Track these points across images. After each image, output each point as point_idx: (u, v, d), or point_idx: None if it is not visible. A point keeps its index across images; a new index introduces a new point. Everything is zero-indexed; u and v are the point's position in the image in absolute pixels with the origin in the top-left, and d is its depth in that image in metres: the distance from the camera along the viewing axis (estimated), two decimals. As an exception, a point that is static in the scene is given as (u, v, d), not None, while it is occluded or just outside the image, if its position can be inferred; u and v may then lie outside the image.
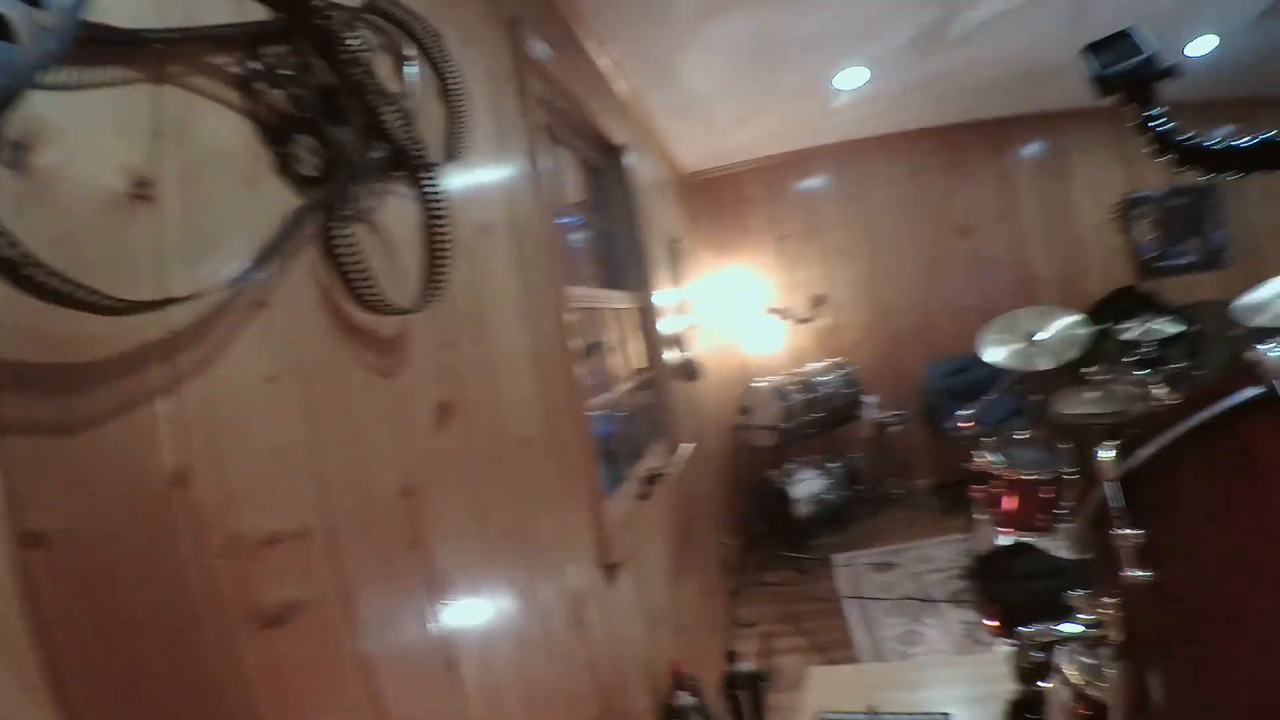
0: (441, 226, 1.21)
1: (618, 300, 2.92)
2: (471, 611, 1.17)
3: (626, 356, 2.95)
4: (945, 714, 1.56)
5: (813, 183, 5.64)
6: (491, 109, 1.62)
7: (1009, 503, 3.46)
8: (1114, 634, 0.96)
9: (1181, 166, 0.89)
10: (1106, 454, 0.95)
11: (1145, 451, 0.88)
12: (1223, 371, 0.88)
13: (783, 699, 3.31)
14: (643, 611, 2.07)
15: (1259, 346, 0.79)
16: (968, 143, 5.62)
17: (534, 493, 1.36)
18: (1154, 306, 4.11)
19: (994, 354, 3.69)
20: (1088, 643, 1.06)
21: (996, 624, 2.50)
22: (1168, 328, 3.74)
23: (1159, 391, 3.49)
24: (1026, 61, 4.37)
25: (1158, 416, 0.95)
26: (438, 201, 1.22)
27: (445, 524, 1.16)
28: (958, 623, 3.85)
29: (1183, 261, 5.36)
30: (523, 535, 1.30)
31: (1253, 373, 0.79)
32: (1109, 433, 3.71)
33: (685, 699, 2.29)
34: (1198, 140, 0.86)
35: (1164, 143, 0.90)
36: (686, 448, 3.05)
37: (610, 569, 1.74)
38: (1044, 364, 3.50)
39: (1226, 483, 0.83)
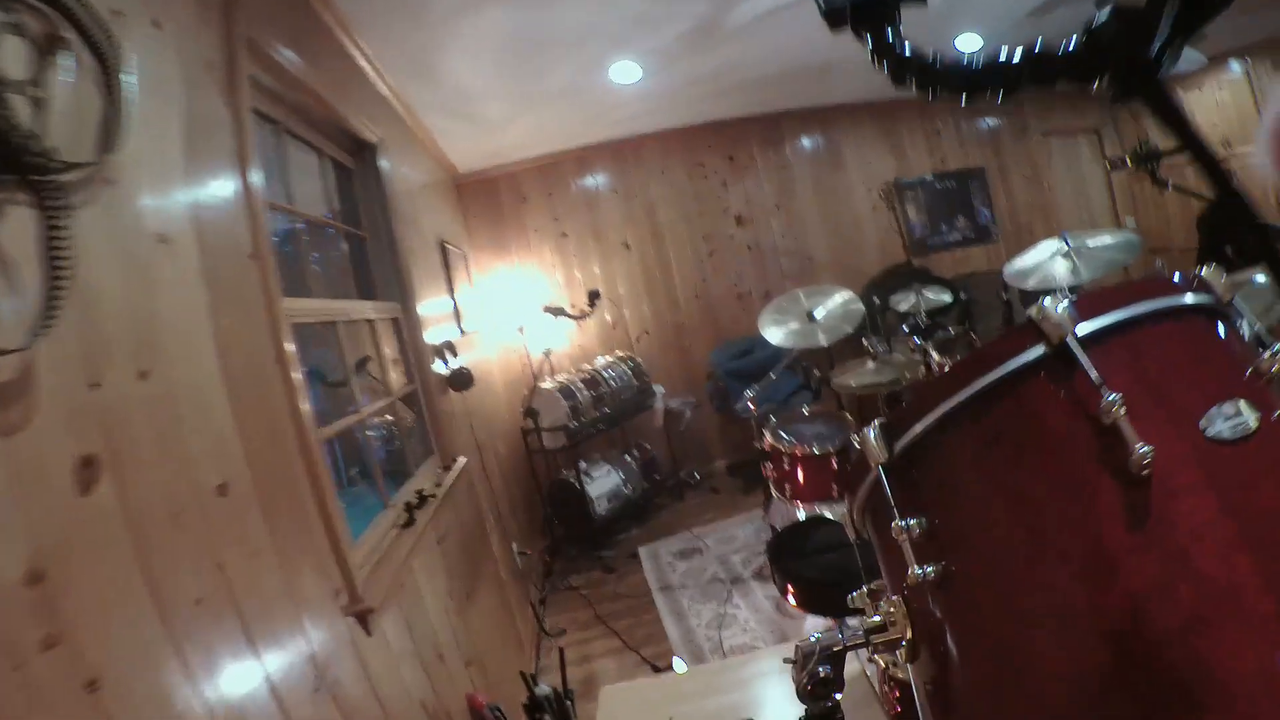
0: (60, 239, 0.96)
1: (370, 311, 2.62)
2: (156, 712, 0.94)
3: (387, 371, 2.71)
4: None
5: (593, 180, 5.58)
6: (186, 101, 1.36)
7: (800, 478, 3.59)
8: (903, 633, 0.86)
9: (924, 90, 0.85)
10: (871, 435, 0.85)
11: (917, 428, 0.81)
12: (1001, 332, 0.82)
13: (594, 709, 3.23)
14: (419, 652, 1.87)
15: (1044, 302, 0.74)
16: (745, 136, 5.80)
17: (241, 548, 1.12)
18: (926, 280, 4.46)
19: (774, 334, 3.81)
20: (879, 645, 0.89)
21: (795, 601, 2.57)
22: (939, 297, 4.05)
23: (935, 358, 3.79)
24: (799, 58, 4.49)
25: (928, 387, 0.84)
26: (56, 209, 0.97)
27: (102, 609, 0.93)
28: (766, 599, 3.94)
29: (953, 238, 5.90)
30: (228, 602, 1.07)
31: (1036, 330, 0.75)
32: (888, 400, 3.97)
33: None
34: (933, 61, 0.82)
35: (902, 66, 0.85)
36: (462, 462, 2.87)
37: (364, 615, 1.52)
38: (822, 340, 3.58)
39: (1013, 454, 0.77)
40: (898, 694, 1.66)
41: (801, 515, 3.73)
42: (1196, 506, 0.68)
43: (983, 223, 5.87)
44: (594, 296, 4.79)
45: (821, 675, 0.94)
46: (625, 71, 4.15)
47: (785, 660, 0.99)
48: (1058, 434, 0.75)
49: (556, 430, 4.53)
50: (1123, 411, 0.68)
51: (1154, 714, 0.65)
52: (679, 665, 3.00)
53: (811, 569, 2.54)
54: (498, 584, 3.14)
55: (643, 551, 4.62)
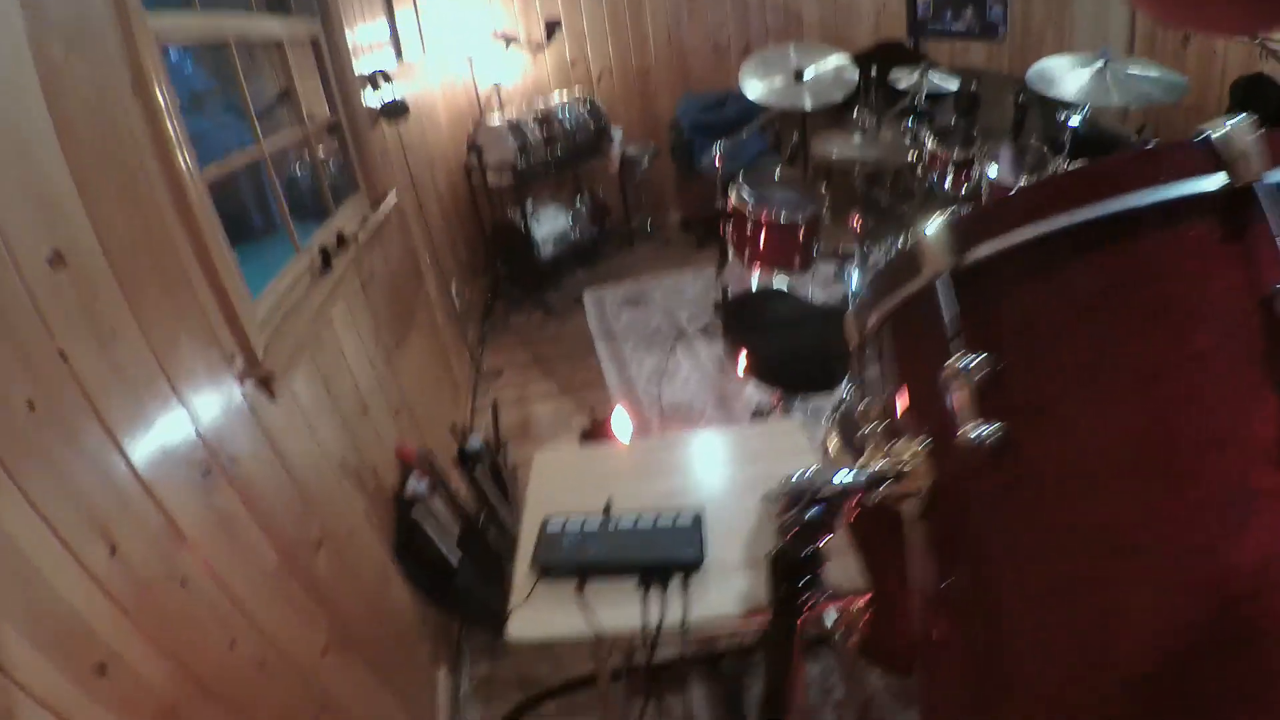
0: None
1: (280, 30, 2.12)
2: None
3: (305, 104, 2.31)
4: (697, 515, 1.34)
5: None
6: None
7: (761, 244, 3.42)
8: (918, 487, 0.73)
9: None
10: (937, 230, 0.65)
11: (1005, 240, 0.61)
12: (1135, 148, 0.65)
13: (530, 452, 3.28)
14: (338, 408, 1.73)
15: (1230, 124, 0.54)
16: None
17: (90, 328, 0.92)
18: (924, 62, 4.01)
19: (755, 88, 3.41)
20: (887, 497, 0.76)
21: (745, 369, 2.51)
22: (944, 83, 3.66)
23: (930, 144, 3.43)
24: None
25: (1030, 192, 0.62)
26: None
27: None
28: (709, 358, 3.83)
29: (956, 28, 5.27)
30: (77, 399, 0.87)
31: (1213, 156, 0.54)
32: (867, 181, 3.70)
33: (417, 486, 2.09)
34: None
35: None
36: (392, 199, 2.58)
37: (266, 379, 1.36)
38: (807, 103, 3.22)
39: (1141, 321, 0.57)
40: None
41: (756, 282, 3.63)
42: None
43: (991, 19, 5.23)
44: (553, 28, 4.19)
45: (809, 519, 0.78)
46: None
47: (764, 499, 0.87)
48: (1214, 311, 0.54)
49: (503, 169, 4.17)
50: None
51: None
52: (621, 421, 3.01)
53: (767, 341, 2.47)
54: (432, 328, 3.01)
55: (587, 297, 4.52)
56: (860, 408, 0.91)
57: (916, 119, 3.37)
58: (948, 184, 3.37)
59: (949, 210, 0.67)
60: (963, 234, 0.64)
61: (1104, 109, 2.90)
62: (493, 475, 2.41)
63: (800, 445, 1.58)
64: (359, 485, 1.74)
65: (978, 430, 0.61)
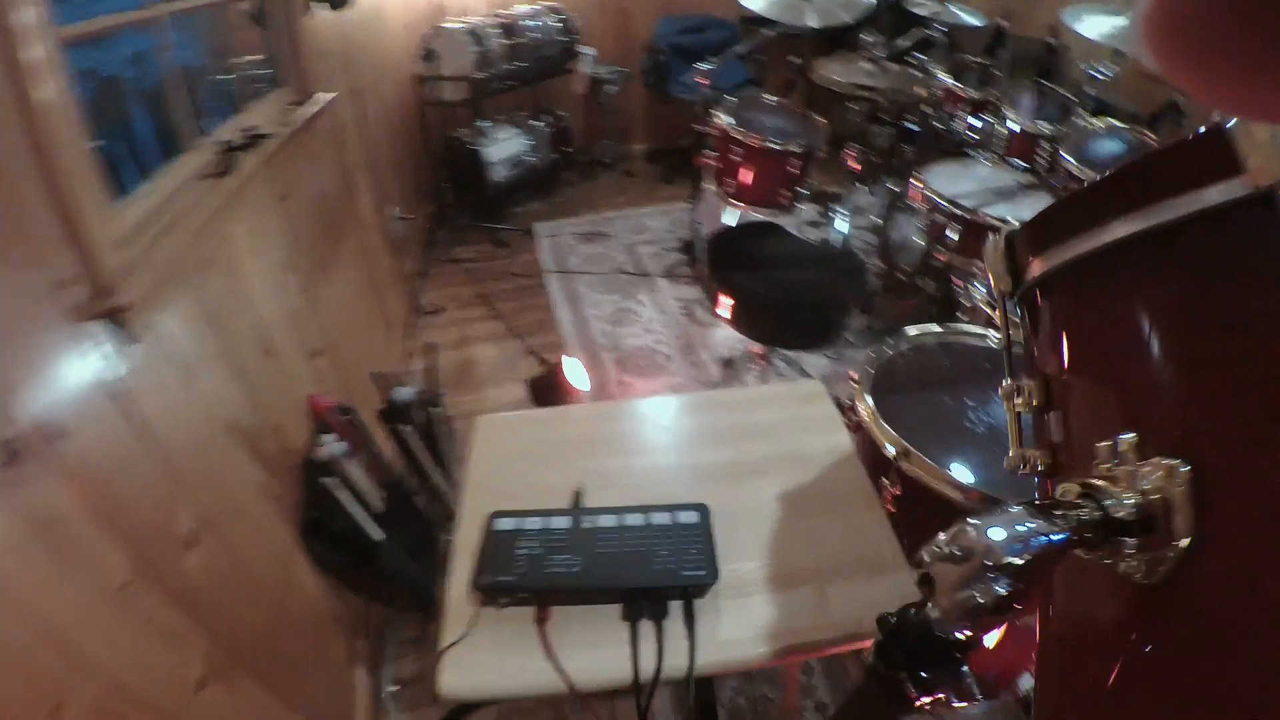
0: None
1: None
2: None
3: None
4: (700, 513, 1.03)
5: None
6: None
7: (746, 174, 3.08)
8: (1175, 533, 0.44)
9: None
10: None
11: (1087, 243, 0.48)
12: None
13: (470, 402, 2.97)
14: (230, 350, 1.36)
15: None
16: None
17: None
18: None
19: (757, 1, 3.06)
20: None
21: (729, 316, 2.19)
22: (969, 17, 3.34)
23: (942, 78, 3.12)
24: None
25: (1110, 185, 0.48)
26: None
27: None
28: (674, 300, 3.57)
29: None
30: None
31: None
32: (869, 117, 3.37)
33: (333, 447, 1.74)
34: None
35: None
36: (325, 98, 2.15)
37: (119, 313, 0.98)
38: (813, 20, 2.85)
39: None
40: (897, 492, 1.33)
41: (733, 219, 3.30)
42: None
43: None
44: None
45: (1001, 595, 0.47)
46: None
47: (916, 567, 0.53)
48: None
49: (458, 80, 3.70)
50: None
51: None
52: (572, 367, 2.69)
53: (758, 285, 2.15)
54: (364, 255, 2.60)
55: (540, 228, 4.12)
56: (1018, 397, 0.62)
57: (931, 51, 3.04)
58: (957, 125, 3.08)
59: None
60: (1041, 237, 0.50)
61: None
62: (425, 433, 2.07)
63: (831, 417, 1.29)
64: (253, 451, 1.38)
65: None
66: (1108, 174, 0.50)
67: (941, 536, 0.49)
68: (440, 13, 4.07)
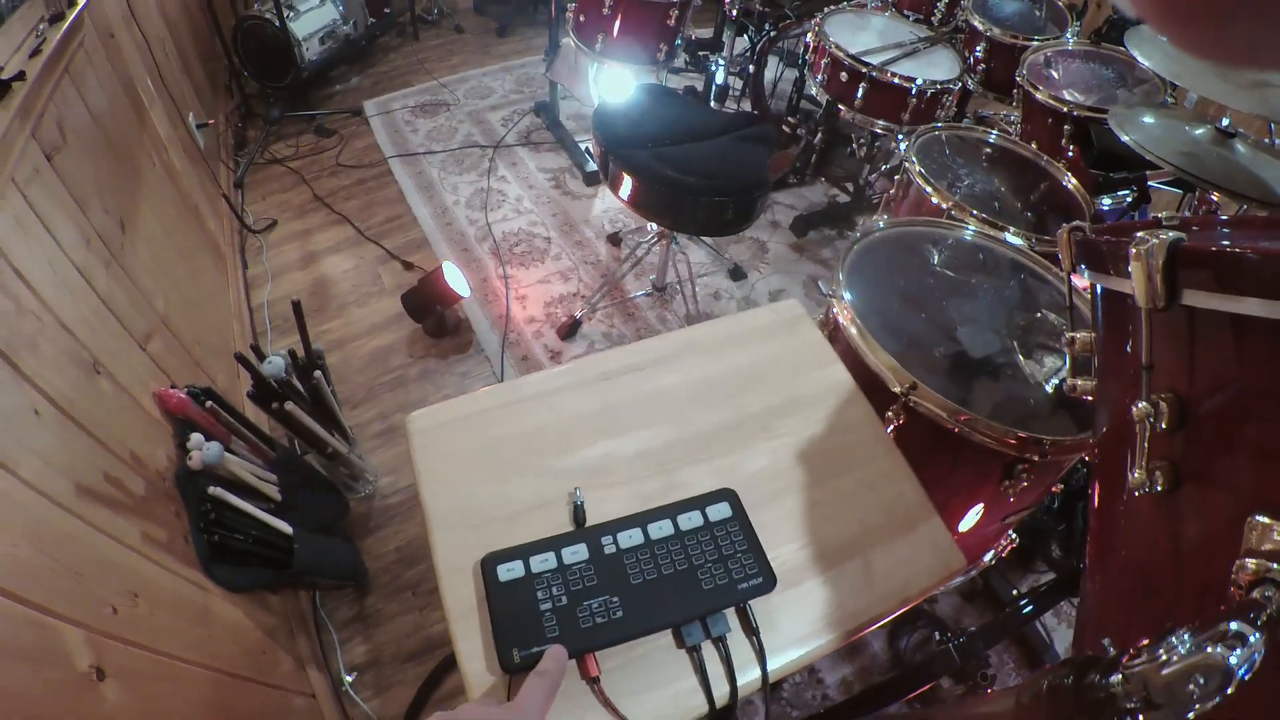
0: None
1: None
2: None
3: None
4: (730, 501, 0.90)
5: None
6: None
7: (618, 27, 2.75)
8: None
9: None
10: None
11: None
12: None
13: (336, 329, 2.60)
14: (43, 393, 1.03)
15: None
16: None
17: None
18: None
19: None
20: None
21: (630, 201, 1.95)
22: None
23: None
24: None
25: None
26: None
27: None
28: (540, 171, 3.29)
29: None
30: None
31: None
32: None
33: (206, 450, 1.42)
34: None
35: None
36: (82, 4, 1.61)
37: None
38: None
39: None
40: (902, 421, 1.26)
41: (595, 77, 3.00)
42: None
43: None
44: None
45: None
46: None
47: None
48: None
49: None
50: None
51: None
52: (454, 275, 2.42)
53: (666, 164, 1.90)
54: (169, 184, 2.16)
55: (370, 107, 3.63)
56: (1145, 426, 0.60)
57: None
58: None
59: None
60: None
61: None
62: (311, 399, 1.80)
63: (820, 346, 1.15)
64: (115, 506, 1.11)
65: None
66: None
67: (1177, 666, 0.44)
68: None
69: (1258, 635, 0.43)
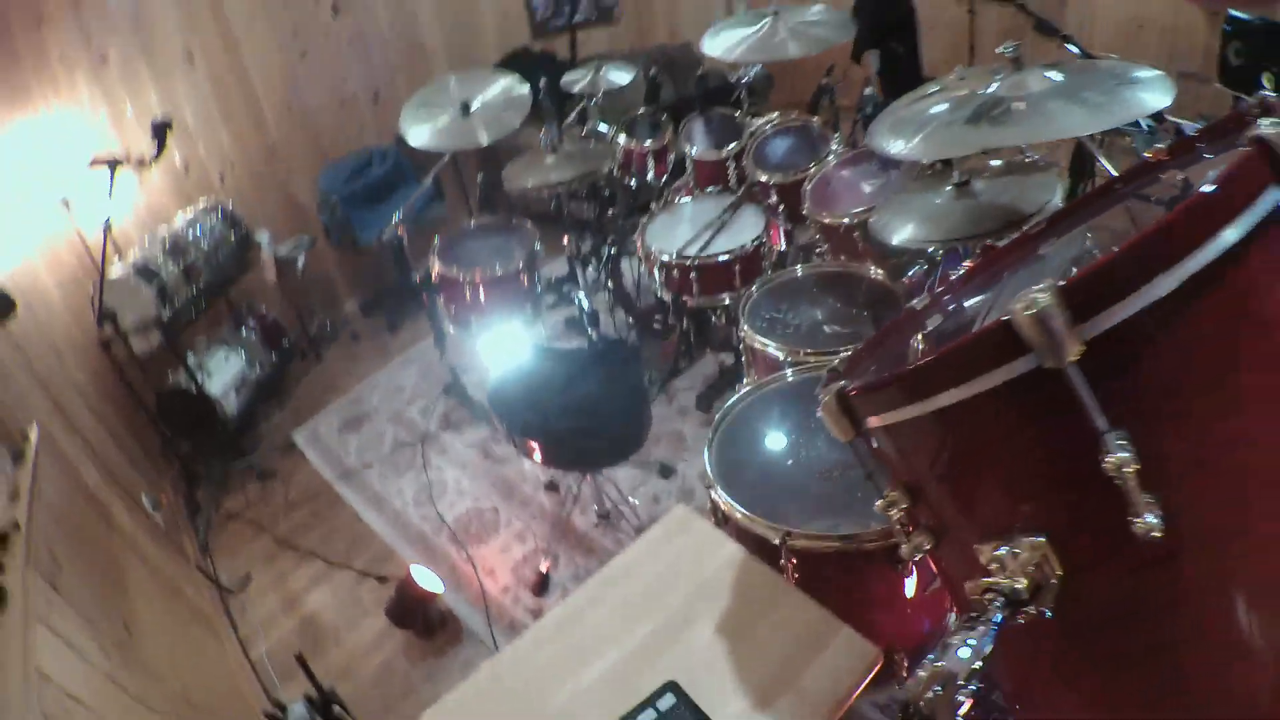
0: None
1: None
2: None
3: None
4: (668, 684, 1.18)
5: None
6: None
7: (483, 304, 3.22)
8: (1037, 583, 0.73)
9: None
10: (1043, 300, 0.62)
11: (1136, 301, 0.63)
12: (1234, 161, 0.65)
13: (337, 659, 2.76)
14: None
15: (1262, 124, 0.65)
16: None
17: None
18: (556, 63, 4.06)
19: (420, 135, 3.15)
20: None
21: (543, 459, 2.30)
22: (622, 74, 3.66)
23: (624, 141, 3.49)
24: None
25: (1134, 251, 0.64)
26: None
27: None
28: (467, 448, 3.63)
29: (578, 18, 5.44)
30: None
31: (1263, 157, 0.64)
32: (568, 198, 3.67)
33: None
34: None
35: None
36: (36, 437, 1.96)
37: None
38: (484, 137, 3.07)
39: (1245, 340, 0.69)
40: (795, 562, 1.54)
41: (487, 347, 3.44)
42: None
43: (607, 2, 5.61)
44: (162, 130, 3.43)
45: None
46: None
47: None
48: None
49: (147, 328, 3.46)
50: None
51: None
52: (424, 575, 2.69)
53: (559, 419, 2.28)
54: (150, 576, 2.44)
55: (299, 438, 4.00)
56: (894, 513, 0.92)
57: (603, 121, 3.45)
58: (650, 176, 3.51)
59: (1039, 283, 0.64)
60: (1080, 305, 0.62)
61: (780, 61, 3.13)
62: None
63: (711, 534, 1.48)
64: None
65: (1149, 514, 0.64)
66: (931, 360, 0.76)
67: (921, 674, 0.67)
68: (100, 260, 3.64)
69: (975, 640, 0.67)
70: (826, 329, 2.24)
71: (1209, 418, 0.68)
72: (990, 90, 1.62)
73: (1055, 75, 1.59)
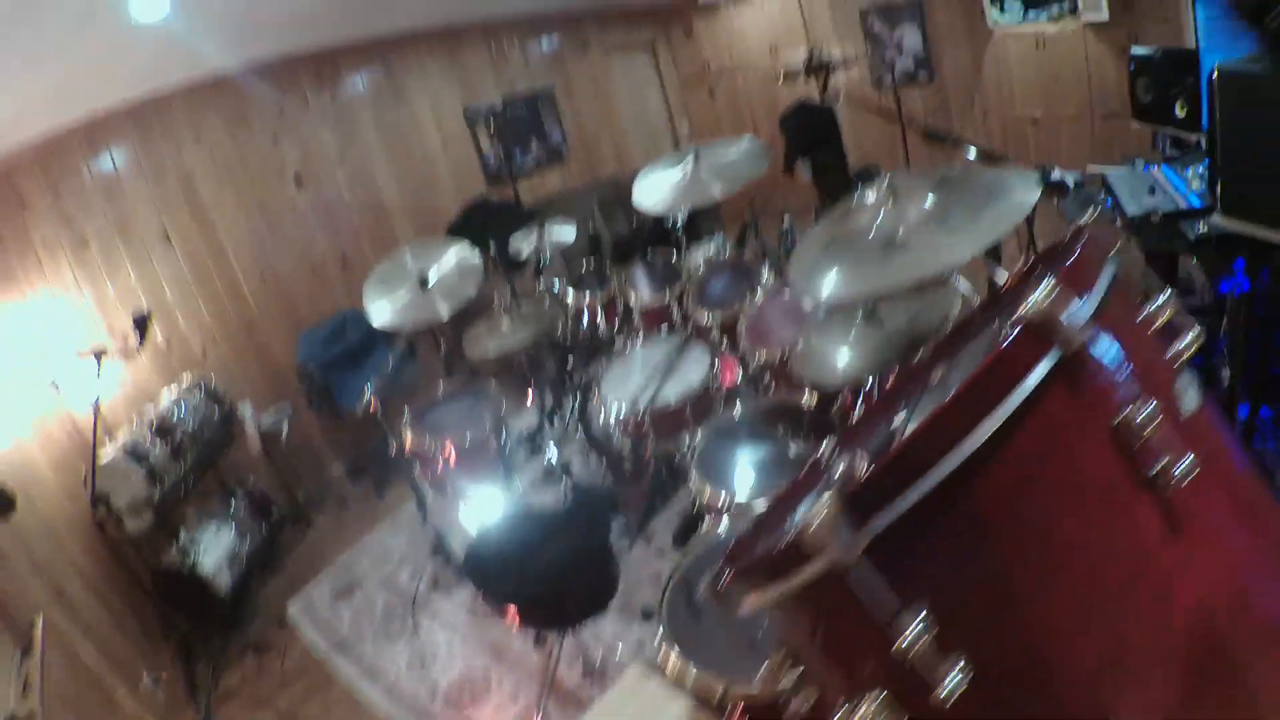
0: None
1: None
2: None
3: None
4: None
5: (110, 159, 4.39)
6: None
7: (460, 469, 3.33)
8: None
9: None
10: (828, 522, 0.71)
11: (913, 493, 0.71)
12: (998, 341, 0.79)
13: None
14: None
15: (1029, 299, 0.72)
16: (295, 79, 5.12)
17: None
18: (517, 214, 4.36)
19: (383, 312, 3.33)
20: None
21: (520, 622, 2.40)
22: (564, 231, 3.92)
23: (572, 297, 3.75)
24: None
25: (901, 457, 0.73)
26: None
27: None
28: (457, 609, 3.68)
29: (529, 163, 5.89)
30: None
31: (1041, 337, 0.71)
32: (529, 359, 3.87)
33: None
34: None
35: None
36: (42, 626, 2.08)
37: None
38: (444, 311, 3.24)
39: (1053, 489, 0.74)
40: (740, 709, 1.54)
41: (466, 510, 3.56)
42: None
43: (555, 144, 6.04)
44: (143, 323, 3.66)
45: None
46: (152, 6, 3.44)
47: None
48: (1084, 453, 0.73)
49: (139, 509, 3.59)
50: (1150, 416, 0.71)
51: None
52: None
53: (531, 583, 2.38)
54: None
55: (293, 609, 4.05)
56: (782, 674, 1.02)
57: (553, 279, 3.66)
58: (602, 327, 3.71)
59: (823, 490, 0.78)
60: (859, 512, 0.73)
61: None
62: None
63: (664, 692, 1.59)
64: None
65: (953, 675, 0.71)
66: (755, 560, 0.90)
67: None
68: (93, 443, 3.79)
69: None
70: (779, 466, 2.30)
71: (998, 576, 0.75)
72: (878, 223, 1.65)
73: (927, 202, 1.60)
